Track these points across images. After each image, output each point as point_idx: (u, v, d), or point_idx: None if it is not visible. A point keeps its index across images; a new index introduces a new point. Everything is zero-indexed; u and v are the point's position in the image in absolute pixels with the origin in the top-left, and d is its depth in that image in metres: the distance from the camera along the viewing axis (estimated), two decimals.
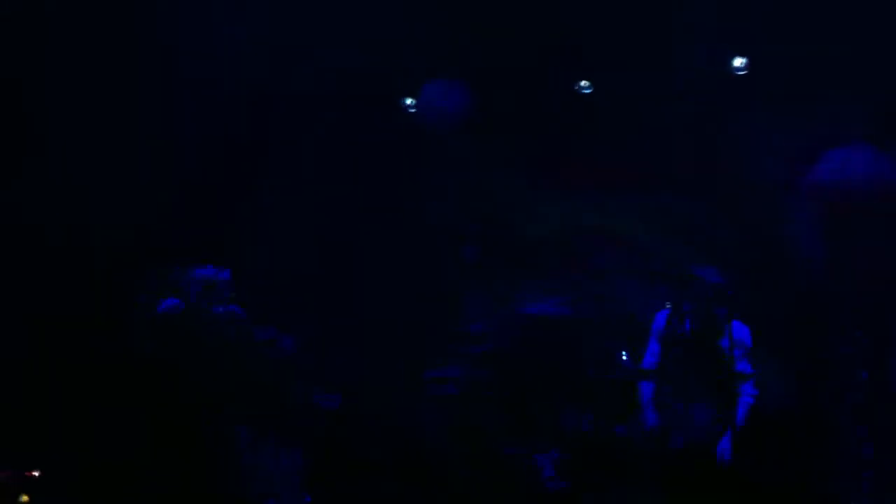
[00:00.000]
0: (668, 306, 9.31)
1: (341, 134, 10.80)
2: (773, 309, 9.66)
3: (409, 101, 10.94)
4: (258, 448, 9.08)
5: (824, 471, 9.39)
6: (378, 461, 9.39)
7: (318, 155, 10.82)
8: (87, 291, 9.88)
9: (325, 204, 10.78)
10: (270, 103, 10.60)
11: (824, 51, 9.70)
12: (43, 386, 9.51)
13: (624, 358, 9.78)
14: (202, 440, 8.84)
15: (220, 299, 9.24)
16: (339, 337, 10.25)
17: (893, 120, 9.80)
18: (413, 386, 9.99)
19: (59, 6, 9.99)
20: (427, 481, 9.20)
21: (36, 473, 9.09)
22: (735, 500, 8.67)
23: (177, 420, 8.80)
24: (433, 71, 10.69)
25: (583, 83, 10.67)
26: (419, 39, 10.33)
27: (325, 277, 10.57)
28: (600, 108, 10.55)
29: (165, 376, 8.87)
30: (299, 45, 10.28)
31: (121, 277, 9.63)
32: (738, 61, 10.24)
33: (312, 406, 9.48)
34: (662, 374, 8.99)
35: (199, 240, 9.85)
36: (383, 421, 9.72)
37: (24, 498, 9.00)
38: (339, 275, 10.62)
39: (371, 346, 10.24)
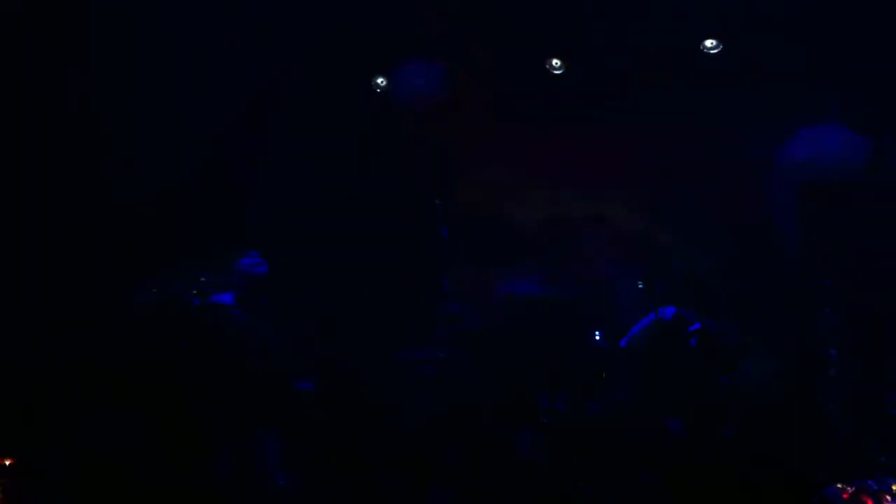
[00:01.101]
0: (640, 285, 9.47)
1: (319, 118, 10.77)
2: (757, 293, 9.79)
3: (380, 80, 10.90)
4: (236, 430, 9.07)
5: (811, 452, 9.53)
6: (359, 443, 9.39)
7: (295, 139, 10.79)
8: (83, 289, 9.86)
9: (304, 188, 10.75)
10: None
11: (805, 35, 9.84)
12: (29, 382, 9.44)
13: (597, 337, 9.88)
14: (183, 425, 8.82)
15: (199, 287, 9.26)
16: (318, 319, 10.22)
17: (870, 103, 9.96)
18: (394, 367, 9.99)
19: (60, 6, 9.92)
20: (408, 461, 9.22)
21: (8, 462, 8.99)
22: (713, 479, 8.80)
23: (158, 407, 8.77)
24: (408, 52, 10.68)
25: (555, 62, 10.68)
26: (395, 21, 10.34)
27: (306, 261, 10.54)
28: (585, 92, 10.57)
29: (146, 365, 8.86)
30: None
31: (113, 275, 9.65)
32: (709, 42, 10.35)
33: (290, 388, 9.46)
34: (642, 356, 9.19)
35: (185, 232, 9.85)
36: (363, 403, 9.71)
37: None
38: (319, 258, 10.58)
39: (351, 327, 10.22)
